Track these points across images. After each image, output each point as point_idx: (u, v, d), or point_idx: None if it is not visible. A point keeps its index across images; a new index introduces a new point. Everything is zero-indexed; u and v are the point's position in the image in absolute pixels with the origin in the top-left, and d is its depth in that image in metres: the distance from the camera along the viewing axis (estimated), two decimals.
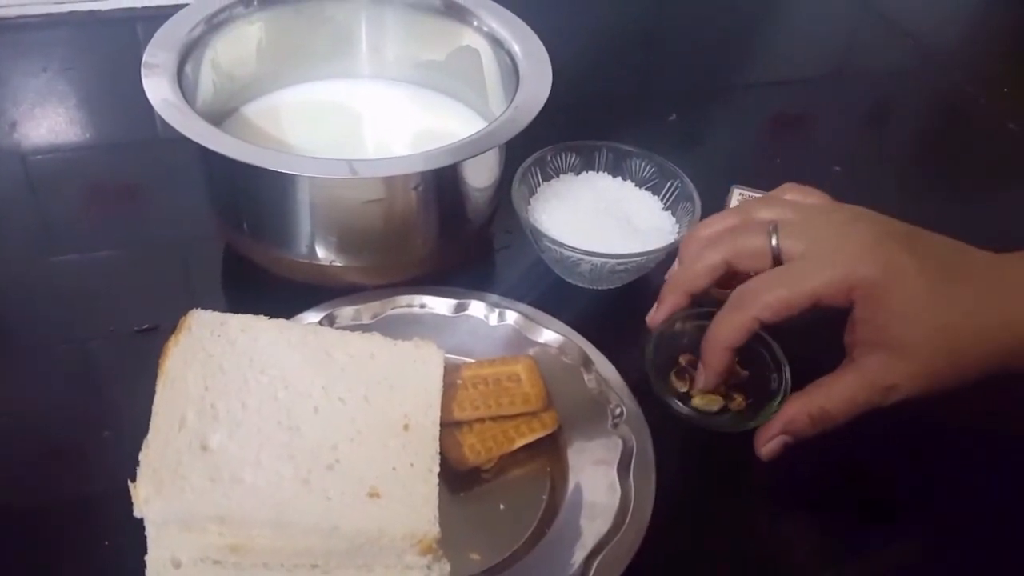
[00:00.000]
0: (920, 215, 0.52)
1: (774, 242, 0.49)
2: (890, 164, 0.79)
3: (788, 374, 0.52)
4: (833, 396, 0.49)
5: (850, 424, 0.50)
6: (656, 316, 0.54)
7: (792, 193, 0.54)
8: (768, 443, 0.51)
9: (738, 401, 0.53)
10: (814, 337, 0.51)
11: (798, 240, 0.49)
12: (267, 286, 0.59)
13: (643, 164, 0.65)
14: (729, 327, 0.49)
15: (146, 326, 0.57)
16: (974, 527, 0.52)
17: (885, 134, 0.85)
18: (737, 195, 0.65)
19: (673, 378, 0.54)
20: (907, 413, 0.56)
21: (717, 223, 0.54)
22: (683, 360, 0.56)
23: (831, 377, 0.50)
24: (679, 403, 0.53)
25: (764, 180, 0.66)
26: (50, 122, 0.74)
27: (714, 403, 0.53)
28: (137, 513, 0.41)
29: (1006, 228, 0.68)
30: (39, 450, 0.51)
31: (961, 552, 0.51)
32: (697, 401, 0.53)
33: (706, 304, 0.58)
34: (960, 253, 0.50)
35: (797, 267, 0.49)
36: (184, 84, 0.56)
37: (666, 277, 0.55)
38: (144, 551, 0.42)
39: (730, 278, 0.52)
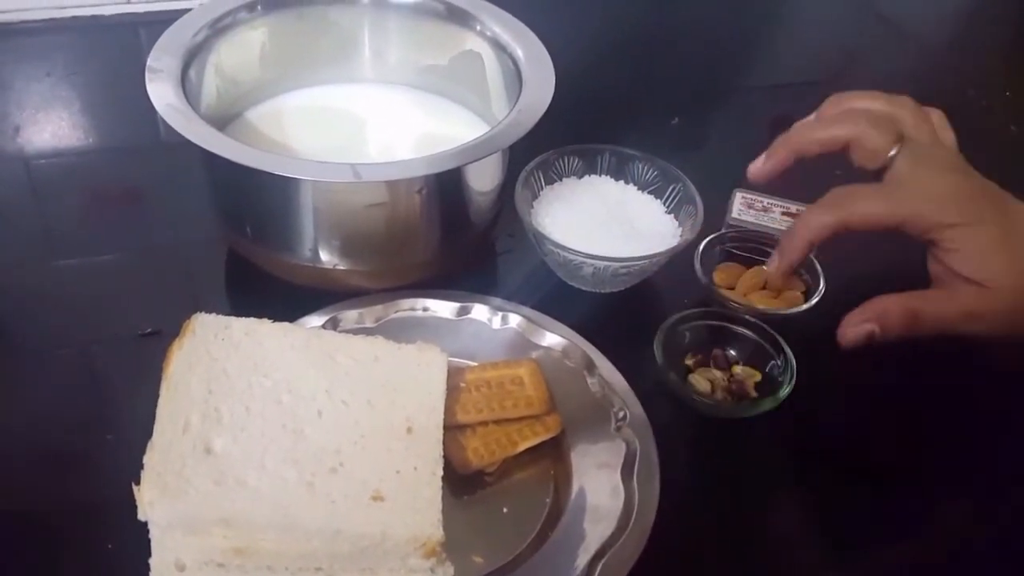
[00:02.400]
0: None
1: (892, 153, 0.53)
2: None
3: (791, 354, 0.55)
4: (928, 305, 0.52)
5: (855, 422, 0.50)
6: (763, 167, 0.56)
7: (907, 119, 0.55)
8: (855, 328, 0.52)
9: (750, 385, 0.56)
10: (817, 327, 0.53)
11: (910, 166, 0.52)
12: (270, 290, 0.59)
13: (646, 168, 0.65)
14: (818, 223, 0.52)
15: (149, 330, 0.57)
16: (981, 531, 0.53)
17: None
18: (740, 199, 0.66)
19: (687, 377, 0.56)
20: (917, 416, 0.56)
21: (865, 100, 0.56)
22: (690, 361, 0.57)
23: (925, 291, 0.53)
24: (697, 396, 0.55)
25: (767, 184, 0.66)
26: (53, 126, 0.74)
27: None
28: (141, 516, 0.41)
29: None
30: (42, 454, 0.51)
31: (968, 556, 0.51)
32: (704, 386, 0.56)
33: (713, 303, 0.59)
34: None
35: (898, 191, 0.52)
36: (188, 88, 0.56)
37: (791, 129, 0.56)
38: (148, 554, 0.42)
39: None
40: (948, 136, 0.56)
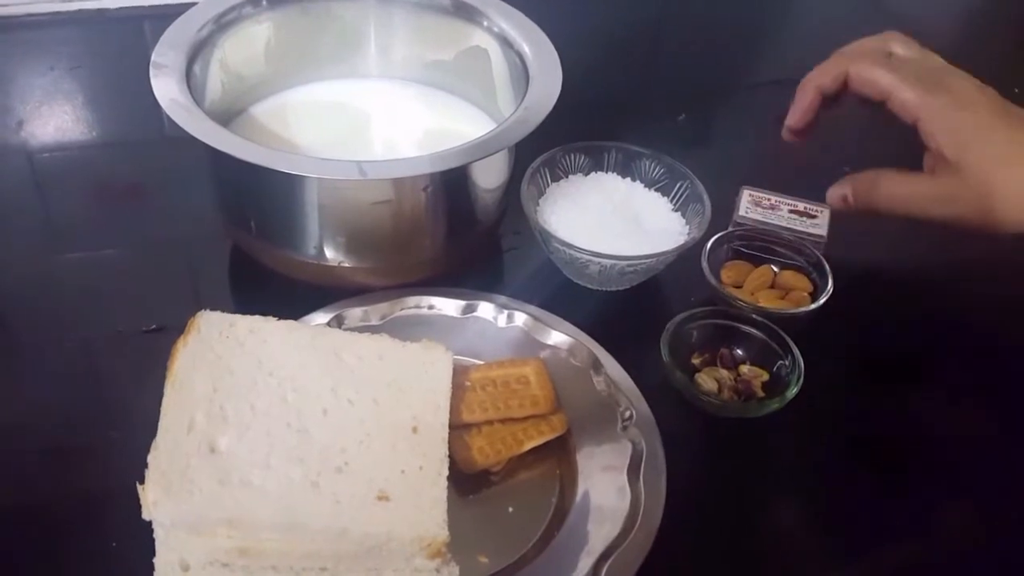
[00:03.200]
0: None
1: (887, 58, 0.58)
2: (900, 164, 0.78)
3: (798, 354, 0.55)
4: (901, 180, 0.57)
5: (862, 422, 0.50)
6: (792, 117, 0.61)
7: (897, 44, 0.60)
8: (832, 191, 0.59)
9: (757, 384, 0.56)
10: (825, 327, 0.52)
11: (909, 55, 0.59)
12: (275, 287, 0.59)
13: (652, 165, 0.64)
14: (822, 69, 0.59)
15: (153, 326, 0.57)
16: (986, 532, 0.52)
17: (894, 134, 0.84)
18: (747, 196, 0.65)
19: (694, 376, 0.56)
20: (924, 417, 0.56)
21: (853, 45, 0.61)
22: (697, 360, 0.57)
23: (905, 172, 0.57)
24: (704, 396, 0.54)
25: (774, 180, 0.66)
26: (57, 120, 0.73)
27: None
28: (145, 516, 0.41)
29: None
30: (47, 450, 0.51)
31: (973, 558, 0.51)
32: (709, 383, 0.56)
33: (720, 302, 0.59)
34: None
35: (897, 64, 0.57)
36: (192, 84, 0.56)
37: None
38: (152, 553, 0.42)
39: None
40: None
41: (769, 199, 0.65)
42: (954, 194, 0.54)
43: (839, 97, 0.60)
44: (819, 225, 0.64)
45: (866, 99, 0.59)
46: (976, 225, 0.54)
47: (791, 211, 0.65)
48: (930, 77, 0.56)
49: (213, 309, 0.50)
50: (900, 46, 0.59)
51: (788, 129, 0.61)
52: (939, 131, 0.54)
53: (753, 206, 0.65)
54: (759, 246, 0.63)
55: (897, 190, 0.57)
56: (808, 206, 0.65)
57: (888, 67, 0.57)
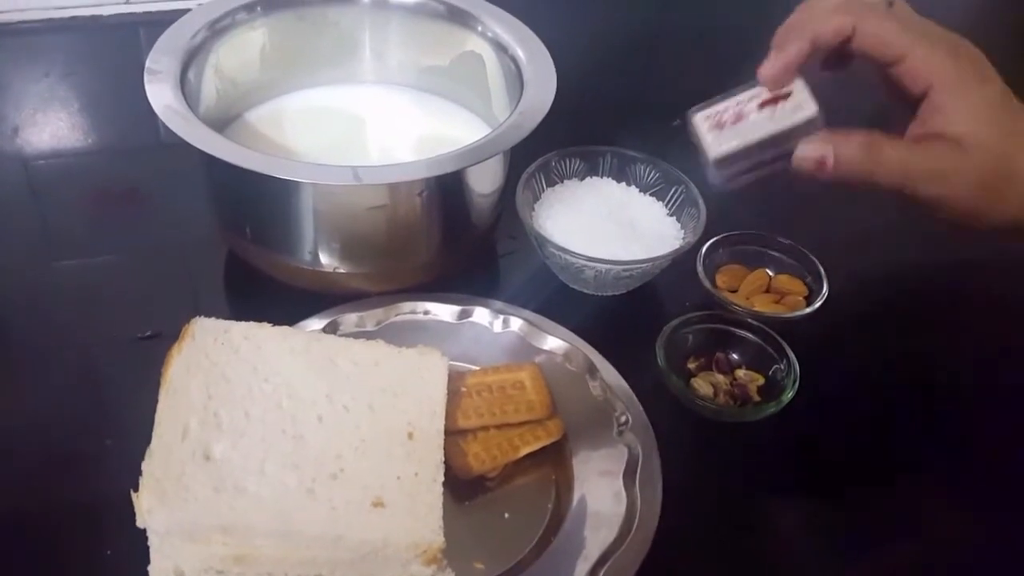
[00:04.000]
0: None
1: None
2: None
3: (794, 358, 0.54)
4: (895, 145, 0.48)
5: (858, 426, 0.50)
6: (771, 66, 0.49)
7: None
8: (807, 151, 0.48)
9: (752, 389, 0.56)
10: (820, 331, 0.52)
11: (913, 15, 0.49)
12: (270, 293, 0.58)
13: (648, 170, 0.64)
14: (821, 18, 0.48)
15: (148, 333, 0.57)
16: (983, 535, 0.52)
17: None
18: (704, 124, 0.52)
19: (689, 380, 0.56)
20: (921, 420, 0.56)
21: None
22: (692, 364, 0.57)
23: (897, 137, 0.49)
24: (699, 400, 0.54)
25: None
26: (52, 127, 0.73)
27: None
28: (140, 523, 0.41)
29: None
30: (40, 457, 0.51)
31: (970, 560, 0.51)
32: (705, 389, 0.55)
33: (715, 307, 0.59)
34: None
35: (910, 24, 0.48)
36: (187, 90, 0.56)
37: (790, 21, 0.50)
38: (147, 561, 0.41)
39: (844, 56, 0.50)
40: None
41: (727, 110, 0.51)
42: (952, 169, 0.47)
43: (837, 55, 0.50)
44: (801, 106, 0.50)
45: (870, 59, 0.49)
46: (964, 210, 0.48)
47: (760, 105, 0.50)
48: (943, 41, 0.48)
49: (208, 315, 0.50)
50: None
51: (762, 78, 0.50)
52: (956, 104, 0.47)
53: (719, 131, 0.51)
54: (755, 251, 0.63)
55: (894, 159, 0.47)
56: (773, 92, 0.50)
57: (901, 24, 0.48)
